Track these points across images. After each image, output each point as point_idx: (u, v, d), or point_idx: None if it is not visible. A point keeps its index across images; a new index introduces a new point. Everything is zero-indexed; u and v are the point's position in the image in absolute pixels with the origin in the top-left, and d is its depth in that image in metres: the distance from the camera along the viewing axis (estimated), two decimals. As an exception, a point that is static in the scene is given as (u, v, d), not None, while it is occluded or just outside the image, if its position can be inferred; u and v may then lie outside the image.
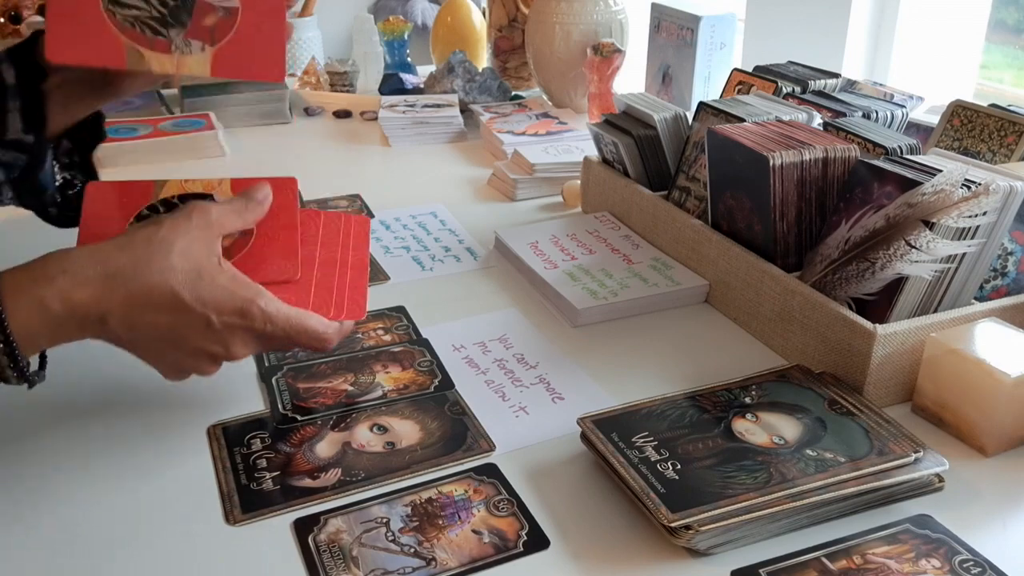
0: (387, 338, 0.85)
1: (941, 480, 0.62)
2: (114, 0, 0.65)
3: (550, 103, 1.62)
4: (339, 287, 0.70)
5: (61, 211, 0.77)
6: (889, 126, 0.97)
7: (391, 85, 1.69)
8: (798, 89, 1.09)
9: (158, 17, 0.65)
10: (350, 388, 0.76)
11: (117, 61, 0.65)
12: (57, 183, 0.76)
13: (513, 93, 1.65)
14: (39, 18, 1.93)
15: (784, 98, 1.05)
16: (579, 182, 1.18)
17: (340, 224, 0.76)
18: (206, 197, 0.69)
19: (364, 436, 0.70)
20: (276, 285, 0.66)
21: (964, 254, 0.72)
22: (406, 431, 0.71)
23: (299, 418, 0.72)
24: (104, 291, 0.58)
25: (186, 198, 0.68)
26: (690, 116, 1.03)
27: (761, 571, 0.56)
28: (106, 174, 0.80)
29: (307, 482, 0.65)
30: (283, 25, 0.67)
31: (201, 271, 0.60)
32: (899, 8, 1.37)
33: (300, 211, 0.71)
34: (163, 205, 0.68)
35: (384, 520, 0.61)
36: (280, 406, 0.74)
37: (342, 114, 1.63)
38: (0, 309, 0.56)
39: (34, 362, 0.61)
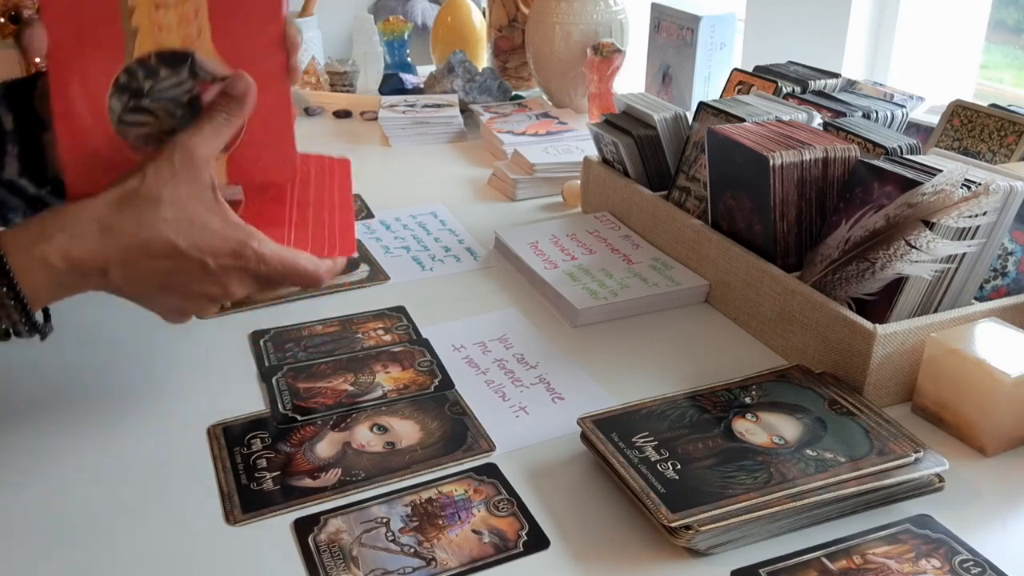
0: (387, 338, 0.85)
1: (941, 480, 0.62)
2: (123, 121, 0.65)
3: (550, 103, 1.62)
4: (328, 225, 0.70)
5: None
6: (889, 126, 0.97)
7: (391, 85, 1.69)
8: (798, 89, 1.09)
9: (168, 131, 0.65)
10: (350, 388, 0.76)
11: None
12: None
13: (513, 93, 1.65)
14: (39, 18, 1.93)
15: (784, 98, 1.05)
16: (579, 182, 1.18)
17: (323, 165, 0.75)
18: (186, 58, 0.65)
19: (364, 436, 0.70)
20: (270, 225, 0.66)
21: (964, 254, 0.72)
22: (406, 431, 0.71)
23: (299, 418, 0.72)
24: (102, 245, 0.60)
25: (164, 56, 0.64)
26: (690, 116, 1.03)
27: (761, 571, 0.56)
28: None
29: (307, 482, 0.65)
30: (291, 115, 0.67)
31: (193, 218, 0.61)
32: (899, 8, 1.37)
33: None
34: (140, 68, 0.64)
35: (384, 520, 0.61)
36: (280, 406, 0.74)
37: (342, 114, 1.63)
38: (8, 268, 0.57)
39: (40, 318, 0.62)
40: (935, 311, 0.75)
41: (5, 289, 0.58)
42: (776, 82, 1.11)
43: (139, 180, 0.61)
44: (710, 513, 0.57)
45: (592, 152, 1.16)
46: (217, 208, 0.63)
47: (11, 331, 0.60)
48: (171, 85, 0.65)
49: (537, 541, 0.59)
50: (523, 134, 1.40)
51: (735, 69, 1.20)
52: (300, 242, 0.67)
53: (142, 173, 0.61)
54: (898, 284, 0.72)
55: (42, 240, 0.59)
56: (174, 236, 0.61)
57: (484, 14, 1.82)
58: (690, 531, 0.56)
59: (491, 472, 0.66)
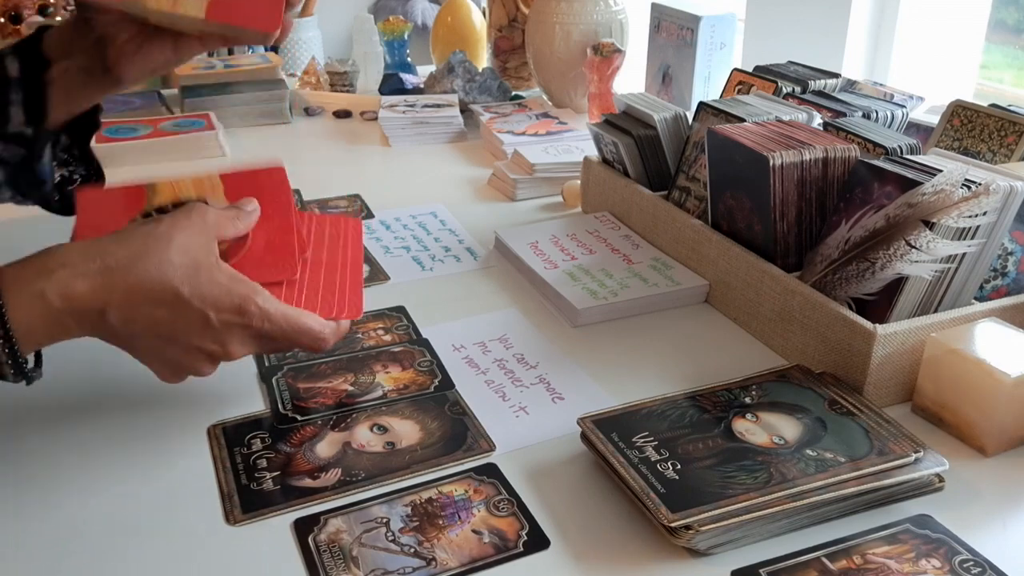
0: (387, 338, 0.85)
1: (941, 480, 0.62)
2: None
3: (550, 103, 1.62)
4: (337, 287, 0.70)
5: (63, 205, 0.77)
6: (889, 126, 0.97)
7: (391, 85, 1.69)
8: (798, 89, 1.09)
9: None
10: (350, 388, 0.76)
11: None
12: (56, 179, 0.76)
13: (513, 93, 1.65)
14: (39, 18, 1.93)
15: (784, 98, 1.05)
16: (579, 182, 1.18)
17: (335, 226, 0.76)
18: (198, 203, 0.68)
19: (364, 436, 0.70)
20: (275, 285, 0.66)
21: (964, 254, 0.72)
22: (406, 431, 0.71)
23: (299, 418, 0.72)
24: (103, 284, 0.58)
25: (179, 205, 0.68)
26: (690, 116, 1.03)
27: (761, 571, 0.56)
28: (106, 174, 0.80)
29: (307, 482, 0.65)
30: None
31: (199, 267, 0.60)
32: (899, 8, 1.37)
33: (296, 212, 0.71)
34: (157, 213, 0.68)
35: (384, 520, 0.61)
36: (280, 406, 0.74)
37: (342, 114, 1.63)
38: (0, 303, 0.56)
39: (30, 361, 0.61)
40: (935, 311, 0.75)
41: None
42: (776, 82, 1.11)
43: (154, 224, 0.61)
44: (710, 513, 0.57)
45: (592, 152, 1.16)
46: (222, 265, 0.62)
47: None
48: None
49: (537, 541, 0.59)
50: (523, 134, 1.40)
51: (735, 69, 1.20)
52: (310, 303, 0.67)
53: (158, 221, 0.61)
54: (898, 284, 0.72)
55: (43, 275, 0.57)
56: (178, 282, 0.59)
57: (484, 14, 1.82)
58: (690, 531, 0.56)
59: (491, 472, 0.66)
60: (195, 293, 0.59)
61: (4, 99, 0.70)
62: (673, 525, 0.56)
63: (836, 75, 1.11)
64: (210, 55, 2.31)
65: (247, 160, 0.72)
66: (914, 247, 0.71)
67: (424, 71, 1.81)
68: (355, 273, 0.73)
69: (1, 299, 0.56)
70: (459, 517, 0.61)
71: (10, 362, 0.57)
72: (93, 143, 0.78)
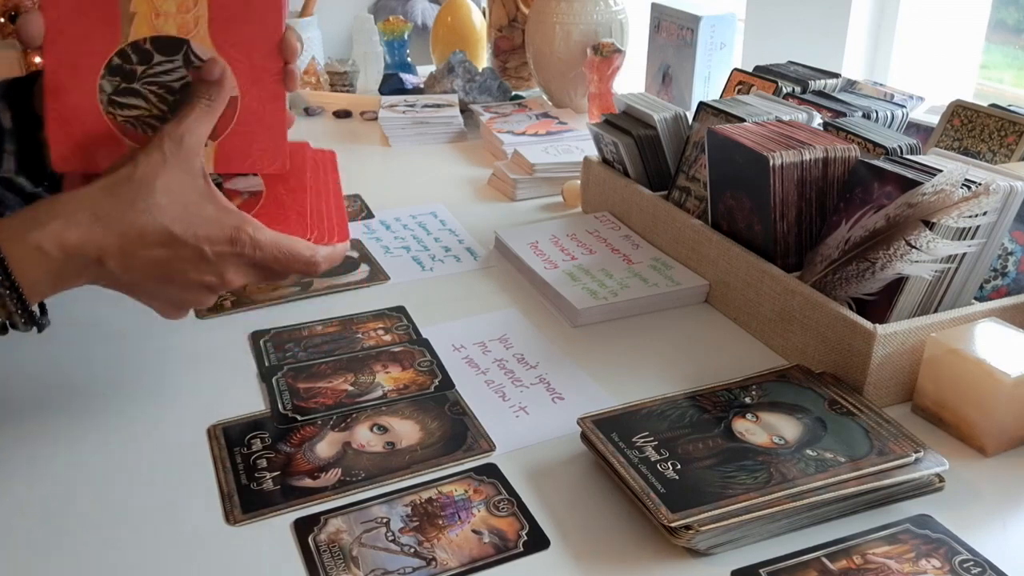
0: (387, 338, 0.85)
1: (941, 480, 0.62)
2: (113, 102, 0.65)
3: (550, 103, 1.62)
4: (324, 212, 0.70)
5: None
6: (889, 126, 0.97)
7: (391, 85, 1.69)
8: (798, 89, 1.09)
9: (159, 115, 0.65)
10: (350, 388, 0.76)
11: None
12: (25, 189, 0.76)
13: (513, 93, 1.65)
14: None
15: (784, 98, 1.05)
16: (579, 182, 1.18)
17: (315, 154, 0.75)
18: (181, 45, 0.65)
19: (364, 436, 0.70)
20: (272, 213, 0.66)
21: (964, 254, 0.72)
22: (406, 431, 0.71)
23: (299, 418, 0.72)
24: (97, 232, 0.59)
25: (159, 41, 0.64)
26: (690, 116, 1.03)
27: (761, 571, 0.56)
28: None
29: (307, 482, 0.65)
30: (283, 112, 0.67)
31: (187, 204, 0.61)
32: (899, 8, 1.37)
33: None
34: (135, 52, 0.65)
35: (384, 520, 0.61)
36: (280, 406, 0.74)
37: (342, 114, 1.63)
38: (3, 257, 0.57)
39: (38, 312, 0.62)
40: (935, 311, 0.75)
41: (1, 278, 0.57)
42: (776, 82, 1.11)
43: (131, 168, 0.61)
44: (710, 513, 0.57)
45: (592, 152, 1.16)
46: (210, 195, 0.62)
47: (8, 324, 0.59)
48: (164, 71, 0.65)
49: (537, 541, 0.59)
50: (523, 134, 1.40)
51: (735, 69, 1.20)
52: (300, 229, 0.67)
53: (133, 162, 0.61)
54: (898, 284, 0.72)
55: (36, 228, 0.58)
56: (169, 222, 0.60)
57: (484, 14, 1.82)
58: (690, 531, 0.56)
59: (491, 472, 0.66)
60: (188, 230, 0.60)
61: None
62: (673, 525, 0.56)
63: (836, 75, 1.11)
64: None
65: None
66: (914, 247, 0.71)
67: (424, 71, 1.81)
68: (338, 198, 0.72)
69: (2, 253, 0.57)
70: (459, 517, 0.61)
71: (19, 311, 0.59)
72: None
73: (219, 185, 0.64)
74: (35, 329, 0.61)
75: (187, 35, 0.65)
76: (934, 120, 0.99)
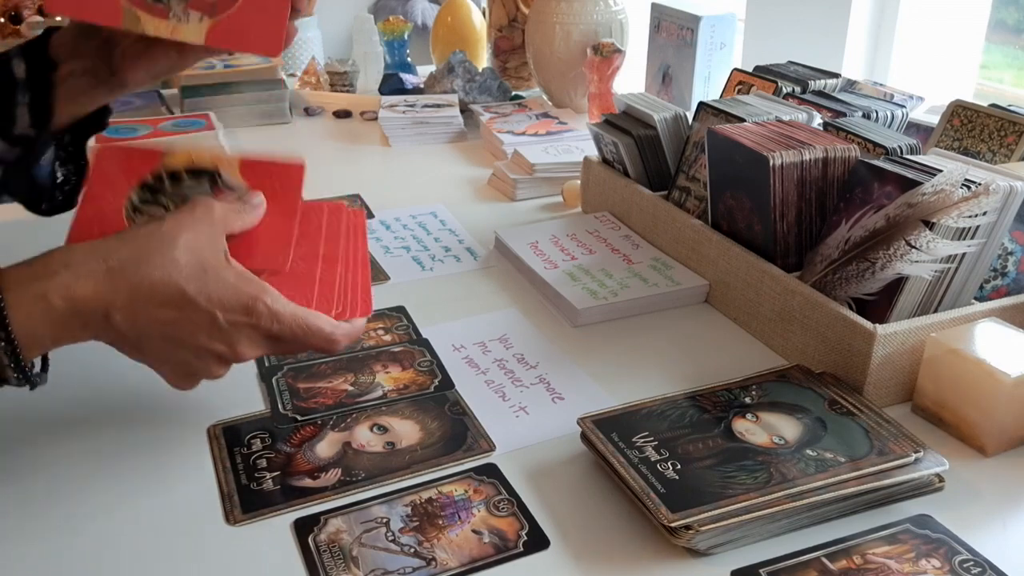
0: (387, 338, 0.85)
1: (941, 480, 0.62)
2: (135, 208, 0.65)
3: (550, 103, 1.62)
4: (348, 284, 0.69)
5: (52, 206, 0.76)
6: (889, 126, 0.97)
7: (391, 85, 1.69)
8: (798, 89, 1.09)
9: None
10: (350, 388, 0.76)
11: (113, 19, 0.63)
12: (58, 179, 0.76)
13: (513, 93, 1.65)
14: (39, 18, 1.93)
15: (784, 98, 1.05)
16: (579, 182, 1.18)
17: (340, 217, 0.74)
18: (212, 173, 0.67)
19: (364, 436, 0.70)
20: (283, 282, 0.64)
21: (964, 254, 0.72)
22: (406, 431, 0.71)
23: (299, 418, 0.72)
24: (107, 285, 0.56)
25: (192, 172, 0.67)
26: (690, 116, 1.03)
27: (761, 571, 0.56)
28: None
29: (307, 482, 0.65)
30: (287, 4, 0.66)
31: (206, 267, 0.58)
32: (899, 8, 1.37)
33: (303, 203, 0.69)
34: (168, 175, 0.67)
35: (384, 520, 0.61)
36: (280, 406, 0.74)
37: (342, 114, 1.63)
38: (1, 305, 0.54)
39: (36, 366, 0.60)
40: (935, 311, 0.75)
41: None
42: (776, 82, 1.11)
43: (157, 224, 0.59)
44: (710, 513, 0.57)
45: (592, 152, 1.16)
46: (230, 263, 0.60)
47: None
48: (190, 187, 0.67)
49: (537, 541, 0.59)
50: (523, 134, 1.40)
51: (735, 69, 1.20)
52: (325, 300, 0.65)
53: (162, 219, 0.60)
54: (898, 284, 0.72)
55: (45, 277, 0.56)
56: (183, 281, 0.57)
57: (484, 14, 1.82)
58: (690, 531, 0.56)
59: (491, 472, 0.66)
60: (201, 292, 0.58)
61: (11, 100, 0.69)
62: (673, 525, 0.56)
63: (836, 75, 1.11)
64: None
65: (272, 152, 0.71)
66: (914, 247, 0.71)
67: (424, 71, 1.81)
68: (364, 269, 0.71)
69: (2, 301, 0.54)
70: (459, 517, 0.61)
71: (12, 365, 0.56)
72: (93, 143, 0.78)
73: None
74: (28, 386, 0.58)
75: (218, 169, 0.68)
76: (934, 120, 0.99)
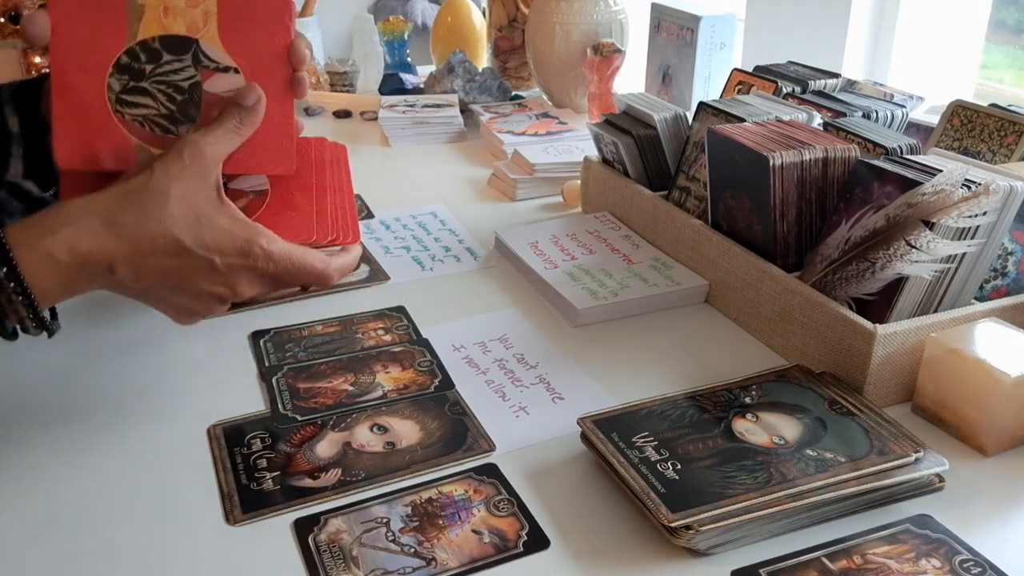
0: (387, 338, 0.85)
1: (941, 480, 0.62)
2: (122, 100, 0.65)
3: (550, 103, 1.62)
4: (336, 212, 0.70)
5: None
6: (889, 126, 0.97)
7: (391, 85, 1.69)
8: (798, 89, 1.09)
9: (167, 114, 0.66)
10: (350, 388, 0.76)
11: (128, 163, 0.65)
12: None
13: (513, 93, 1.65)
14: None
15: (784, 98, 1.05)
16: (579, 182, 1.18)
17: (324, 150, 0.75)
18: (191, 45, 0.65)
19: (364, 436, 0.70)
20: (282, 215, 0.66)
21: (964, 254, 0.72)
22: (406, 431, 0.71)
23: (299, 418, 0.72)
24: (108, 240, 0.59)
25: (168, 40, 0.65)
26: (690, 116, 1.03)
27: (761, 571, 0.56)
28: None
29: (307, 482, 0.65)
30: (291, 115, 0.67)
31: (200, 215, 0.61)
32: (899, 8, 1.37)
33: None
34: (143, 50, 0.65)
35: (384, 520, 0.61)
36: (280, 406, 0.74)
37: (342, 114, 1.63)
38: (13, 261, 0.57)
39: (48, 316, 0.62)
40: (935, 311, 0.75)
41: (13, 285, 0.57)
42: (776, 82, 1.11)
43: (147, 176, 0.61)
44: (710, 513, 0.57)
45: (592, 152, 1.16)
46: (224, 207, 0.63)
47: (19, 328, 0.60)
48: (173, 70, 0.65)
49: (537, 541, 0.59)
50: (523, 134, 1.40)
51: (735, 69, 1.20)
52: (322, 229, 0.67)
53: (150, 170, 0.61)
54: (898, 284, 0.72)
55: (47, 234, 0.58)
56: (180, 233, 0.60)
57: (484, 14, 1.82)
58: (690, 531, 0.56)
59: (491, 472, 0.66)
60: (198, 242, 0.61)
61: (5, 150, 0.71)
62: (673, 525, 0.56)
63: (836, 75, 1.11)
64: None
65: None
66: (914, 247, 0.71)
67: (424, 71, 1.81)
68: (350, 198, 0.72)
69: (14, 259, 0.57)
70: (459, 517, 0.61)
71: (30, 316, 0.59)
72: None
73: (224, 184, 0.64)
74: (45, 334, 0.62)
75: (196, 34, 0.65)
76: (934, 120, 0.99)
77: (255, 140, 0.67)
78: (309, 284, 0.67)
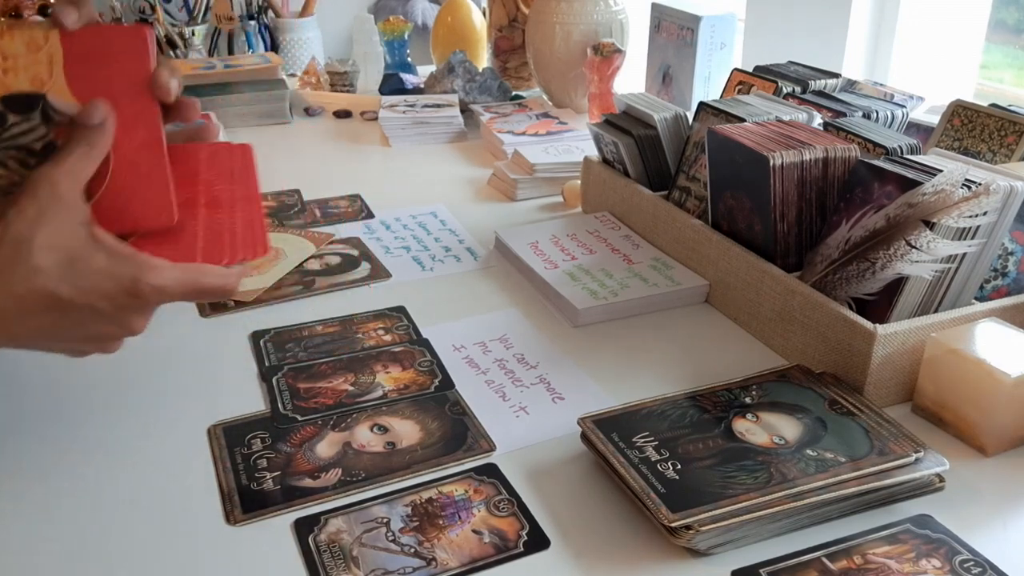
0: (387, 338, 0.85)
1: (941, 480, 0.62)
2: None
3: (550, 103, 1.62)
4: (233, 228, 0.62)
5: None
6: (889, 126, 0.97)
7: (391, 85, 1.69)
8: (798, 89, 1.09)
9: (20, 183, 0.56)
10: (350, 388, 0.76)
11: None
12: None
13: (513, 93, 1.65)
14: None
15: (784, 98, 1.05)
16: (579, 182, 1.18)
17: (223, 158, 0.66)
18: (39, 101, 0.56)
19: (364, 436, 0.70)
20: (163, 240, 0.58)
21: (964, 254, 0.72)
22: (406, 431, 0.71)
23: (299, 418, 0.72)
24: None
25: (13, 103, 0.56)
26: (690, 116, 1.03)
27: (761, 571, 0.56)
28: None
29: (307, 482, 0.65)
30: (163, 159, 0.59)
31: (73, 259, 0.53)
32: (899, 8, 1.37)
33: (171, 139, 0.61)
34: None
35: (384, 520, 0.61)
36: (280, 406, 0.74)
37: (342, 114, 1.63)
38: None
39: None
40: (935, 311, 0.75)
41: None
42: (776, 82, 1.11)
43: (3, 227, 0.52)
44: (710, 513, 0.57)
45: (592, 152, 1.16)
46: (98, 244, 0.54)
47: None
48: (22, 131, 0.57)
49: (537, 541, 0.59)
50: (523, 134, 1.40)
51: (735, 69, 1.20)
52: (213, 251, 0.60)
53: (4, 221, 0.53)
54: (898, 284, 0.72)
55: None
56: (54, 286, 0.52)
57: (484, 14, 1.82)
58: (690, 531, 0.56)
59: (491, 472, 0.66)
60: (76, 291, 0.53)
61: None
62: (673, 525, 0.56)
63: (836, 75, 1.11)
64: (210, 55, 2.31)
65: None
66: (914, 247, 0.71)
67: (424, 71, 1.81)
68: (255, 205, 0.64)
69: None
70: (459, 517, 0.61)
71: None
72: None
73: None
74: None
75: (42, 87, 0.58)
76: (934, 120, 0.99)
77: (124, 193, 0.59)
78: (210, 300, 0.62)
